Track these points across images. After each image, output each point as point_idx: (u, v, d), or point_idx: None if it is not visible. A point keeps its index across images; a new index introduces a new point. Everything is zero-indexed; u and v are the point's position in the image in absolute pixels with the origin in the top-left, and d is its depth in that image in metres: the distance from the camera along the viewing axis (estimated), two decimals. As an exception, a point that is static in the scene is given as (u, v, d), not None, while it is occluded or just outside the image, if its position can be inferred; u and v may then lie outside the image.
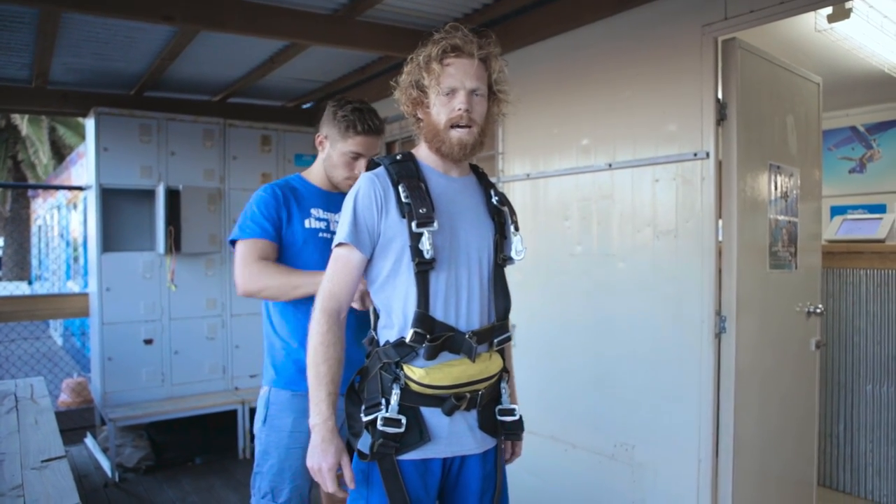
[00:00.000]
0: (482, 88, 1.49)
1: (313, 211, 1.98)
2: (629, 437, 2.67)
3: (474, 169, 1.65)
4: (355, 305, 1.70)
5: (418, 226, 1.43)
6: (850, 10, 2.81)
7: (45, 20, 2.96)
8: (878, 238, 3.39)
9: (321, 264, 1.88)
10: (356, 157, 1.96)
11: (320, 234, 1.96)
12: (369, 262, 1.50)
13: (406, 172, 1.49)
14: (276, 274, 1.85)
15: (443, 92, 1.47)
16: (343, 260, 1.48)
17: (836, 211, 4.30)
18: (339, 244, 1.48)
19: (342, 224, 1.48)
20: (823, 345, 3.10)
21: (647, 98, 2.59)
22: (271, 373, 1.96)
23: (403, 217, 1.45)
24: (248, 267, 1.87)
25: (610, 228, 2.75)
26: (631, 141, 2.66)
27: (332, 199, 2.02)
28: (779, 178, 2.64)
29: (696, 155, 2.41)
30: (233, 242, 1.96)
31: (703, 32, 2.38)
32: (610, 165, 2.74)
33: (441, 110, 1.48)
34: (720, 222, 2.41)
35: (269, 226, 1.90)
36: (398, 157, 1.52)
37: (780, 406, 2.72)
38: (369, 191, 1.47)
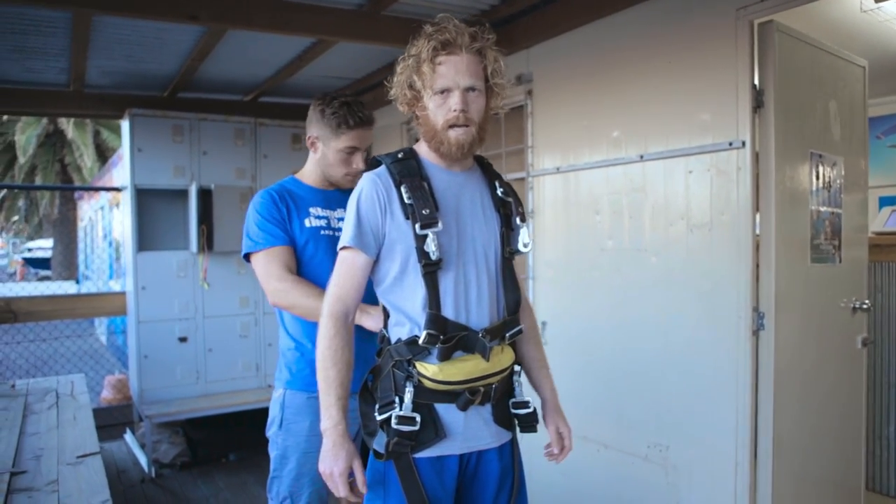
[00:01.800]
0: (478, 84, 1.44)
1: (312, 210, 1.95)
2: (663, 437, 2.58)
3: (479, 160, 1.60)
4: (371, 326, 1.66)
5: (422, 227, 1.40)
6: (898, -11, 2.66)
7: (77, 24, 3.01)
8: (931, 229, 3.22)
9: (326, 261, 1.87)
10: (352, 151, 1.92)
11: (322, 232, 1.94)
12: (375, 263, 1.48)
13: (408, 171, 1.46)
14: (308, 296, 1.80)
15: (436, 93, 1.42)
16: (348, 263, 1.46)
17: (886, 202, 4.09)
18: (344, 247, 1.46)
19: (346, 226, 1.46)
20: (871, 342, 2.95)
21: (680, 87, 2.49)
22: (286, 374, 1.93)
23: (407, 218, 1.42)
24: (278, 282, 1.84)
25: (642, 222, 2.67)
26: (663, 131, 2.57)
27: (329, 196, 2.00)
28: (821, 168, 2.52)
29: (731, 144, 2.31)
30: (247, 257, 1.93)
31: (738, 16, 2.27)
32: (642, 157, 2.65)
33: (437, 111, 1.43)
34: (757, 215, 2.31)
35: (279, 230, 1.88)
36: (399, 156, 1.49)
37: (824, 406, 2.60)
38: (372, 192, 1.45)
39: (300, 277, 1.87)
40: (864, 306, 2.74)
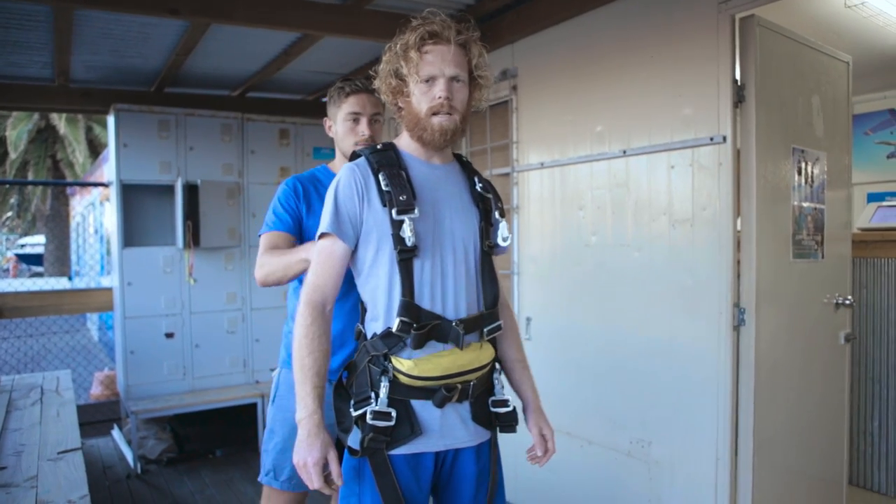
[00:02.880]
0: (462, 75, 1.46)
1: None
2: (646, 433, 2.58)
3: (458, 158, 1.61)
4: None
5: (398, 213, 1.41)
6: (881, -16, 2.66)
7: (58, 18, 2.99)
8: (916, 226, 3.22)
9: None
10: (356, 118, 1.97)
11: None
12: (354, 252, 1.47)
13: (386, 161, 1.47)
14: (277, 255, 1.86)
15: (422, 80, 1.43)
16: (327, 251, 1.45)
17: (873, 198, 4.09)
18: (322, 235, 1.45)
19: (324, 214, 1.46)
20: (854, 338, 2.96)
21: (662, 81, 2.49)
22: (283, 354, 2.01)
23: (385, 206, 1.42)
24: (260, 257, 1.91)
25: (625, 217, 2.66)
26: (646, 126, 2.56)
27: None
28: (803, 163, 2.51)
29: (712, 139, 2.30)
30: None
31: (720, 10, 2.27)
32: (625, 152, 2.64)
33: (421, 99, 1.44)
34: (739, 210, 2.30)
35: (289, 217, 1.93)
36: (378, 147, 1.50)
37: (806, 401, 2.60)
38: (349, 180, 1.45)
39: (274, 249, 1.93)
40: (848, 302, 2.74)
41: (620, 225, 2.68)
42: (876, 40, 3.34)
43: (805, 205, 2.53)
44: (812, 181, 2.57)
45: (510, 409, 1.54)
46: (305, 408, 1.38)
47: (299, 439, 1.38)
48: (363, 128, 1.97)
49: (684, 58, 2.40)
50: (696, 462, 2.40)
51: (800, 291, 2.54)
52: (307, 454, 1.36)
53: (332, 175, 2.03)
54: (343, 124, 1.98)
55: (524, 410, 1.64)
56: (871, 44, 3.37)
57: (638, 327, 2.60)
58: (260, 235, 1.97)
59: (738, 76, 2.27)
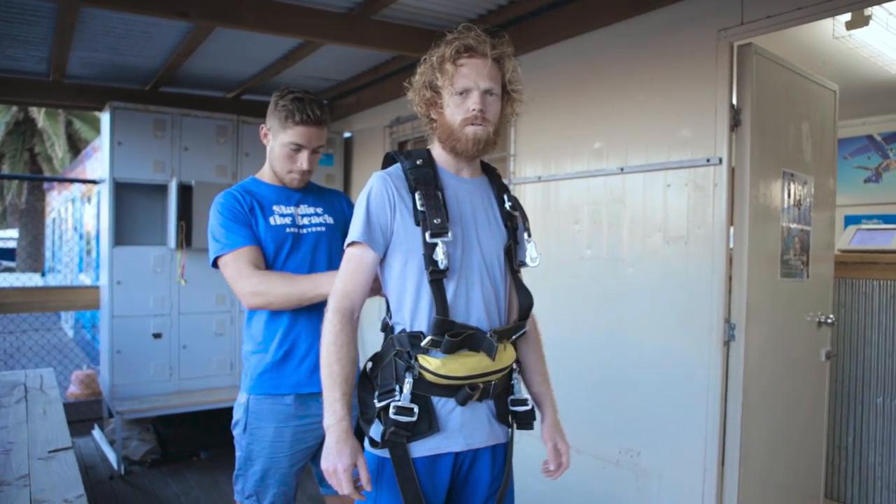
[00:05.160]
0: (496, 88, 1.49)
1: (275, 208, 1.92)
2: (635, 443, 2.65)
3: (486, 169, 1.64)
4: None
5: (432, 236, 1.43)
6: (869, 17, 2.78)
7: (63, 14, 2.99)
8: (893, 249, 3.34)
9: (293, 260, 1.89)
10: (297, 148, 1.87)
11: (288, 230, 1.91)
12: (382, 260, 1.50)
13: (423, 179, 1.49)
14: (281, 283, 1.79)
15: (456, 92, 1.46)
16: (356, 259, 1.47)
17: (851, 220, 4.24)
18: (353, 243, 1.47)
19: (355, 222, 1.48)
20: (834, 356, 3.06)
21: (661, 102, 2.57)
22: (248, 381, 1.92)
23: (418, 224, 1.45)
24: (247, 280, 1.80)
25: (620, 233, 2.73)
26: (643, 145, 2.64)
27: (291, 193, 1.97)
28: (792, 186, 2.62)
29: (708, 161, 2.39)
30: (215, 262, 1.88)
31: (719, 37, 2.36)
32: (622, 169, 2.72)
33: (455, 111, 1.47)
34: (731, 229, 2.39)
35: (246, 229, 1.84)
36: (418, 163, 1.51)
37: (789, 416, 2.69)
38: (382, 189, 1.47)
39: (269, 271, 1.84)
40: (829, 321, 2.84)
41: (615, 240, 2.76)
42: (859, 70, 3.49)
43: (793, 226, 2.63)
44: (800, 203, 2.68)
45: (528, 407, 1.58)
46: (334, 414, 1.39)
47: (328, 445, 1.39)
48: (303, 161, 1.88)
49: (684, 81, 2.48)
50: (683, 472, 2.46)
51: (786, 309, 2.64)
52: (337, 460, 1.37)
53: (264, 185, 1.96)
54: (282, 149, 1.88)
55: (542, 424, 1.67)
56: (855, 73, 3.51)
57: (631, 340, 2.67)
58: (219, 256, 1.84)
59: (734, 101, 2.36)
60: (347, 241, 1.49)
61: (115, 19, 3.15)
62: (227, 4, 2.84)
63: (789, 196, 2.60)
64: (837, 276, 3.10)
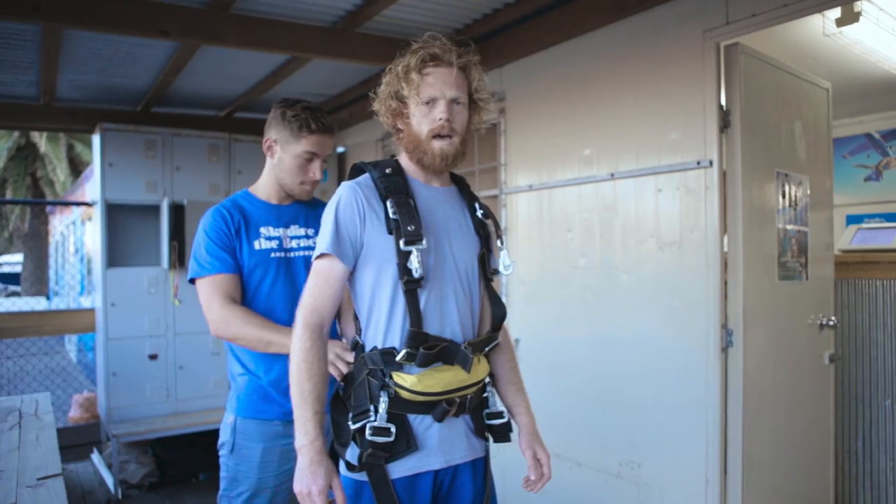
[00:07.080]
0: (463, 97, 1.46)
1: (262, 230, 1.88)
2: (635, 454, 2.58)
3: (455, 179, 1.61)
4: (333, 373, 1.56)
5: (406, 243, 1.39)
6: (859, 14, 2.74)
7: (46, 37, 2.98)
8: (895, 248, 3.28)
9: (277, 288, 1.85)
10: (311, 158, 1.86)
11: (273, 255, 1.88)
12: (352, 273, 1.46)
13: (395, 187, 1.45)
14: (250, 326, 1.75)
15: (422, 102, 1.43)
16: (325, 272, 1.43)
17: (852, 220, 4.18)
18: (321, 255, 1.43)
19: (323, 234, 1.44)
20: (838, 358, 3.00)
21: (649, 106, 2.53)
22: (235, 402, 1.88)
23: (390, 233, 1.41)
24: (219, 310, 1.77)
25: (613, 240, 2.69)
26: (633, 150, 2.60)
27: (283, 212, 1.94)
28: (787, 187, 2.57)
29: (699, 164, 2.34)
30: (192, 280, 1.85)
31: (705, 38, 2.32)
32: (612, 175, 2.68)
33: (422, 120, 1.44)
34: (725, 233, 2.34)
35: (227, 255, 1.81)
36: (387, 171, 1.48)
37: (793, 422, 2.63)
38: (351, 199, 1.43)
39: (243, 307, 1.80)
40: (831, 323, 2.78)
41: (608, 247, 2.71)
42: (853, 67, 3.43)
43: (789, 227, 2.58)
44: (796, 204, 2.62)
45: (504, 420, 1.54)
46: (306, 434, 1.34)
47: (301, 467, 1.34)
48: (315, 170, 1.86)
49: (671, 83, 2.45)
50: (685, 483, 2.40)
51: (786, 313, 2.58)
52: (311, 482, 1.32)
53: (256, 201, 1.92)
54: (295, 160, 1.85)
55: (519, 434, 1.63)
56: (849, 70, 3.46)
57: (626, 349, 2.62)
58: (196, 278, 1.82)
59: (723, 102, 2.31)
60: (315, 253, 1.45)
61: (101, 41, 3.15)
62: (209, 22, 2.82)
63: (784, 197, 2.55)
64: (839, 277, 3.04)
